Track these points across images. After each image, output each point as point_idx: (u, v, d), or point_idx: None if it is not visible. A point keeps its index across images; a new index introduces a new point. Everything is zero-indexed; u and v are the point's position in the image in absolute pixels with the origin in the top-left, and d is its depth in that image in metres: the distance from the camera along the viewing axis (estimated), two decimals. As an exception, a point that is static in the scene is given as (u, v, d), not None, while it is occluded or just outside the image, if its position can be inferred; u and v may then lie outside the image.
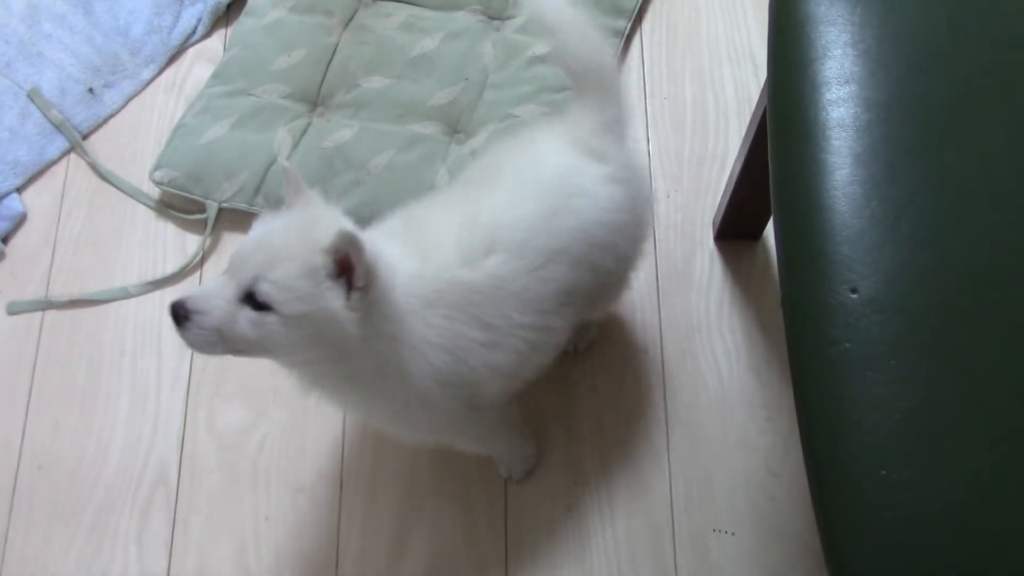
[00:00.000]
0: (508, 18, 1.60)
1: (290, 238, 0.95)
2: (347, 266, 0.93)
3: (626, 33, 1.60)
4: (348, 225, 0.99)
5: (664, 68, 1.61)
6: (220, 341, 0.96)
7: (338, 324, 0.95)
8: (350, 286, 0.94)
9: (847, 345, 0.78)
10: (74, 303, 1.47)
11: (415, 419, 1.10)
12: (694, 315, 1.44)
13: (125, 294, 1.47)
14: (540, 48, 1.55)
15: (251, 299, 0.94)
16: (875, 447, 0.75)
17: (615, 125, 1.15)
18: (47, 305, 1.47)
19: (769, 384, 1.40)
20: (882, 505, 0.73)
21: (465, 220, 1.08)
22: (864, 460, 0.75)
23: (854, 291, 0.80)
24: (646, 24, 1.64)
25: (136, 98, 1.62)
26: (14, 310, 1.46)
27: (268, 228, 0.98)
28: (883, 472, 0.74)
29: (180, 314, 0.94)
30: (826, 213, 0.84)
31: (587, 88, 1.13)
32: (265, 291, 0.93)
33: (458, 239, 1.06)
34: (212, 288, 0.96)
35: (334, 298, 0.94)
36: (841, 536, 0.74)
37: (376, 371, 1.03)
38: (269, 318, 0.94)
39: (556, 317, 1.12)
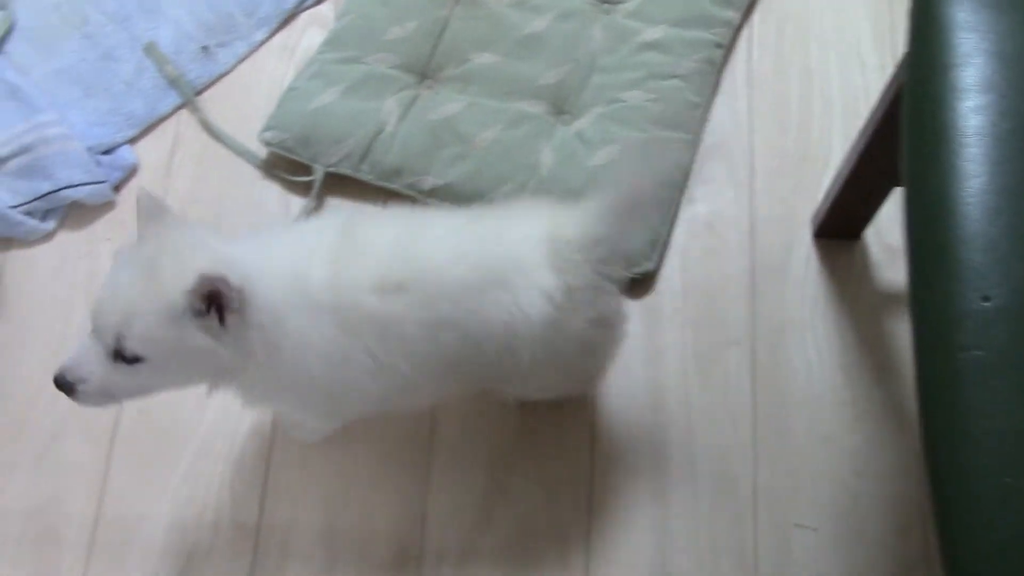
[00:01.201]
0: (619, 2, 1.61)
1: (144, 288, 0.96)
2: (215, 297, 0.95)
3: (736, 24, 1.60)
4: (208, 252, 1.00)
5: (771, 62, 1.61)
6: (112, 397, 1.03)
7: (213, 354, 0.98)
8: (221, 314, 0.96)
9: (977, 352, 0.78)
10: (179, 255, 1.51)
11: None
12: (788, 310, 1.45)
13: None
14: (651, 34, 1.56)
15: (121, 355, 0.97)
16: (999, 455, 0.76)
17: (603, 254, 1.08)
18: (154, 255, 1.51)
19: (859, 384, 1.40)
20: (1004, 513, 0.74)
21: (398, 247, 1.07)
22: (987, 468, 0.75)
23: (986, 299, 0.80)
24: (756, 15, 1.64)
25: (248, 59, 1.65)
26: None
27: (117, 279, 0.98)
28: (1006, 480, 0.74)
29: (65, 387, 1.00)
30: (960, 220, 0.84)
31: (617, 210, 1.07)
32: (131, 348, 0.96)
33: (380, 264, 1.06)
34: (82, 354, 1.00)
35: (202, 335, 0.96)
36: (960, 545, 0.75)
37: (260, 375, 1.06)
38: (143, 369, 0.98)
39: (438, 378, 1.13)
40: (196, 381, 1.09)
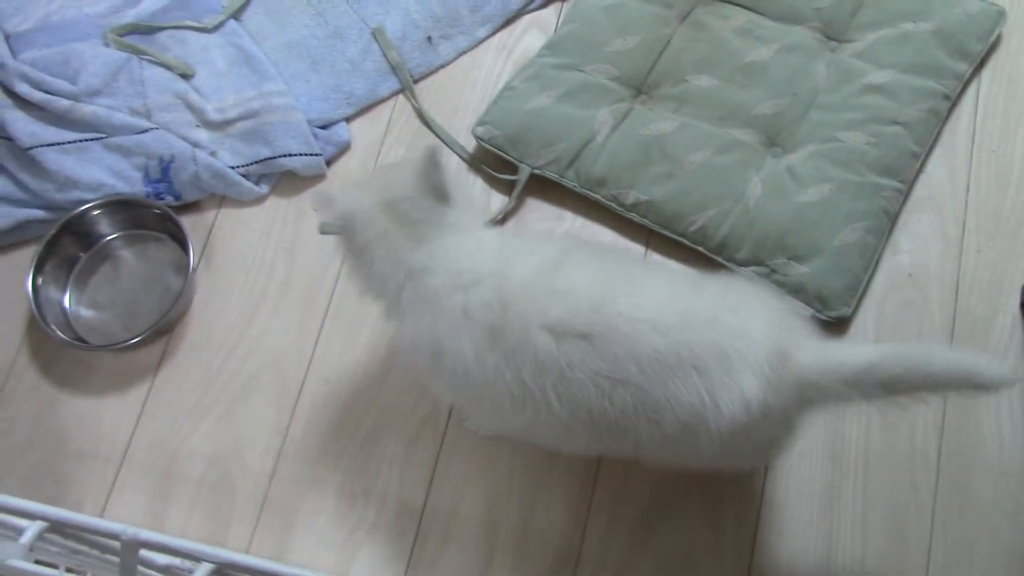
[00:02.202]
0: (847, 41, 1.58)
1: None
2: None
3: (966, 78, 1.55)
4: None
5: (998, 120, 1.55)
6: None
7: (353, 266, 1.21)
8: None
9: None
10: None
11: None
12: (984, 377, 1.40)
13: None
14: (877, 77, 1.52)
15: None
16: None
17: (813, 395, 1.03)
18: (355, 231, 1.56)
19: (1052, 464, 1.34)
20: None
21: (595, 292, 1.05)
22: None
23: None
24: (987, 71, 1.59)
25: (468, 54, 1.69)
26: (325, 231, 1.56)
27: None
28: None
29: None
30: None
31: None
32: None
33: (570, 307, 1.04)
34: None
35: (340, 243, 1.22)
36: None
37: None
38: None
39: (596, 430, 1.07)
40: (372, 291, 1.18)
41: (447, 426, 1.42)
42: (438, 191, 1.13)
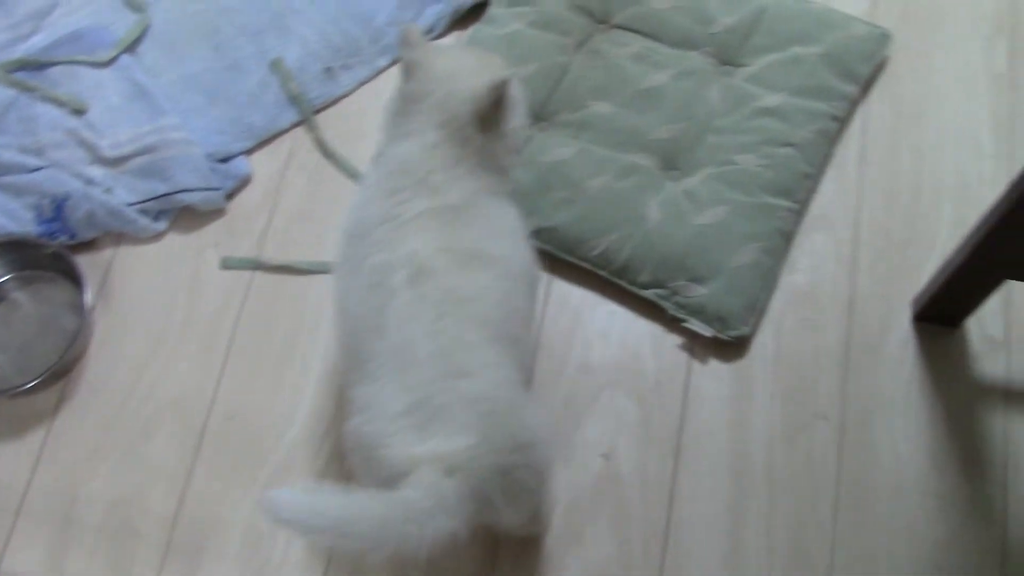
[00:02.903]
0: (741, 65, 1.62)
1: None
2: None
3: (855, 99, 1.60)
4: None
5: (885, 139, 1.60)
6: None
7: None
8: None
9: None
10: (281, 268, 1.54)
11: None
12: (880, 390, 1.43)
13: (328, 270, 1.54)
14: (770, 100, 1.56)
15: None
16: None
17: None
18: (257, 265, 1.54)
19: (947, 475, 1.37)
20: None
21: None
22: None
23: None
24: (874, 92, 1.63)
25: (369, 83, 1.69)
26: (227, 265, 1.54)
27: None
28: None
29: None
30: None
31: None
32: None
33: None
34: None
35: None
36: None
37: None
38: None
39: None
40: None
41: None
42: (486, 120, 1.15)
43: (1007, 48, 1.66)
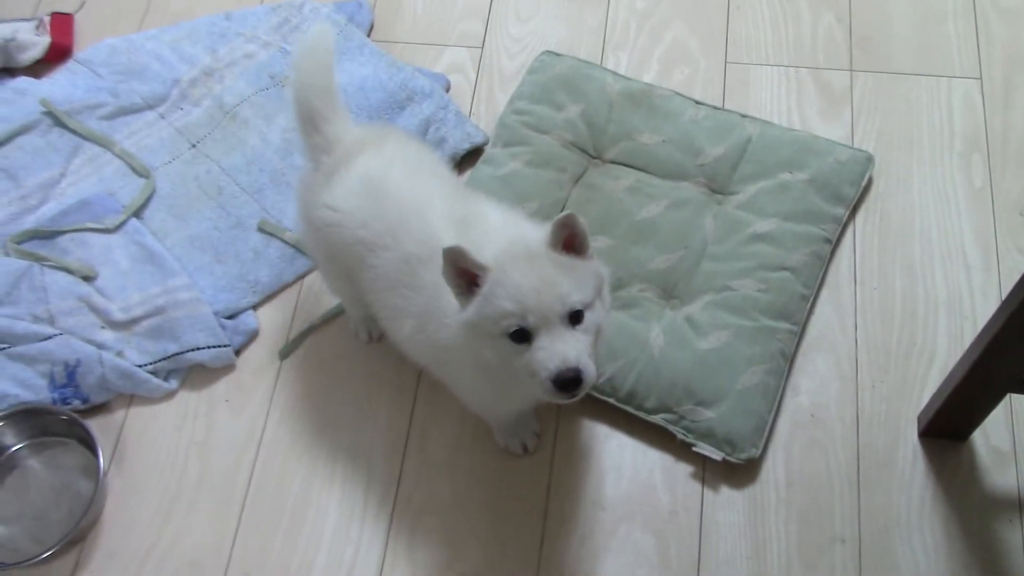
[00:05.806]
0: (731, 194, 1.67)
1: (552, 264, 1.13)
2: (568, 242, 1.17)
3: (843, 221, 1.64)
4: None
5: (876, 258, 1.64)
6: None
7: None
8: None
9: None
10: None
11: None
12: (894, 508, 1.43)
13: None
14: (762, 226, 1.61)
15: (576, 318, 1.13)
16: None
17: None
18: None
19: (969, 590, 1.37)
20: None
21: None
22: None
23: None
24: (860, 214, 1.68)
25: (369, 232, 1.73)
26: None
27: (526, 282, 1.11)
28: None
29: (573, 382, 1.10)
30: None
31: None
32: (581, 300, 1.12)
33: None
34: (562, 344, 1.10)
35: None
36: None
37: None
38: (588, 316, 1.13)
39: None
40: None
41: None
42: None
43: (982, 163, 1.72)
